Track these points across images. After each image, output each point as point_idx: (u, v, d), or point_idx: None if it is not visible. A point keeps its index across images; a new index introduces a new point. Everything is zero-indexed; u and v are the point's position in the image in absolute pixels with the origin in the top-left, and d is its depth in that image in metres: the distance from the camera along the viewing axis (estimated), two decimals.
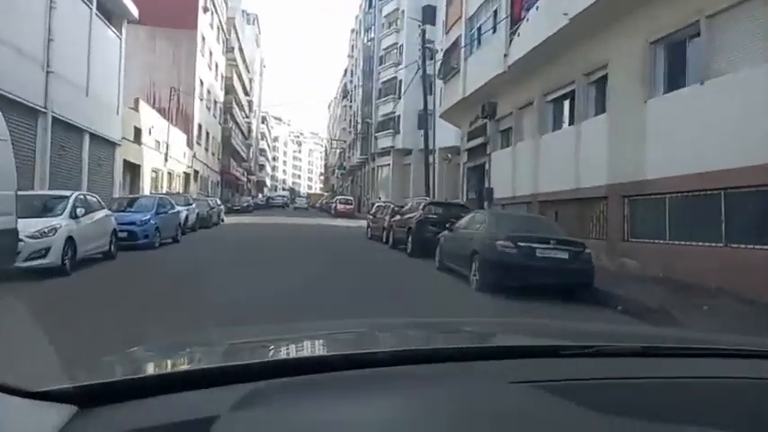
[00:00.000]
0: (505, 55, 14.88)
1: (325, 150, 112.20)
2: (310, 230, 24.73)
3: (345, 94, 67.73)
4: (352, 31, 65.16)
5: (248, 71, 63.71)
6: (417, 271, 11.53)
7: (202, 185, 40.91)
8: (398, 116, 43.42)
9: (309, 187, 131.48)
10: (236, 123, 56.21)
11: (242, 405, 0.83)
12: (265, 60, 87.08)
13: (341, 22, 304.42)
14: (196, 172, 38.62)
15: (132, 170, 25.01)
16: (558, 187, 13.39)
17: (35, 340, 1.32)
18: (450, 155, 36.10)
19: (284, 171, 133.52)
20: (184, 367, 1.20)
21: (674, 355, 1.21)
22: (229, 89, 51.35)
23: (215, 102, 45.78)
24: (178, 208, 16.38)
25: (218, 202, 28.30)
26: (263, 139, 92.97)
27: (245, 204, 42.91)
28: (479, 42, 17.87)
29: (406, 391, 0.91)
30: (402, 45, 43.29)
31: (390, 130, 44.39)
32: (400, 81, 43.82)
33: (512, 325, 2.13)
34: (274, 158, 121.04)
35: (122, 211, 13.07)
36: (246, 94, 63.63)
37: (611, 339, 1.38)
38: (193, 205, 20.27)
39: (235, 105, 53.79)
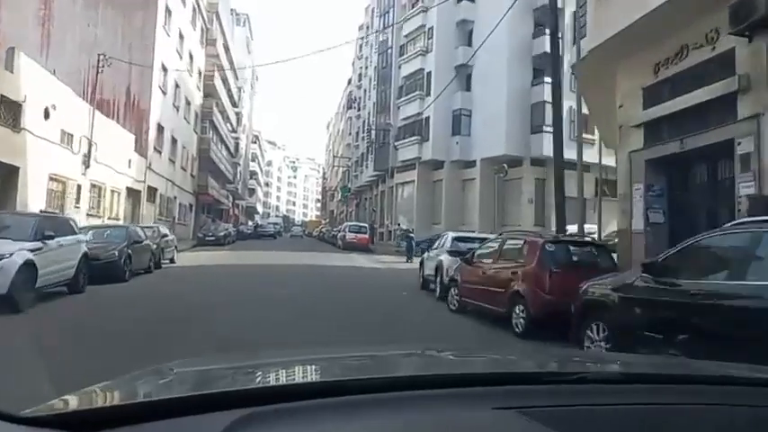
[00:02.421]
0: None
1: (323, 173, 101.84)
2: (312, 284, 13.84)
3: (351, 103, 57.46)
4: (360, 27, 55.38)
5: (237, 78, 53.62)
6: None
7: (164, 208, 30.07)
8: (426, 118, 33.10)
9: (305, 214, 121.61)
10: (219, 136, 45.75)
11: (232, 431, 0.83)
12: (257, 72, 77.21)
13: (339, 52, 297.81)
14: (153, 189, 27.88)
15: (5, 174, 14.32)
16: None
17: (27, 367, 1.42)
18: (505, 165, 25.93)
19: (278, 197, 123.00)
20: (175, 393, 1.15)
21: (654, 381, 1.21)
22: (210, 91, 41.16)
23: (188, 102, 35.40)
24: None
25: (163, 230, 17.36)
26: (254, 160, 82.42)
27: (222, 234, 31.55)
28: None
29: (390, 417, 0.92)
30: (432, 27, 33.28)
31: (416, 137, 33.91)
32: (428, 73, 33.66)
33: (497, 353, 2.14)
34: (267, 184, 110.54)
35: None
36: (234, 105, 53.52)
37: (594, 367, 1.43)
38: (70, 239, 9.43)
39: (217, 113, 43.41)
